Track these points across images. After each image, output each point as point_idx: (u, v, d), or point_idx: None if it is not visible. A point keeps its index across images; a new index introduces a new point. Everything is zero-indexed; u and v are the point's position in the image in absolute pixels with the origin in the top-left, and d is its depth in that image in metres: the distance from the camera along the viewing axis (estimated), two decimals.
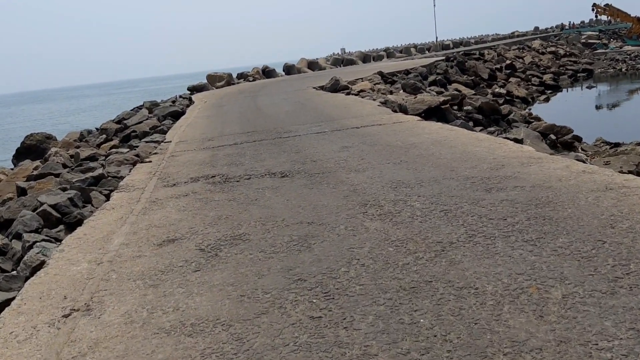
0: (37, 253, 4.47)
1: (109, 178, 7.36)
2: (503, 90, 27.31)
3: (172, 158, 8.27)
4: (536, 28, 69.21)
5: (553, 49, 45.65)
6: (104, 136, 14.04)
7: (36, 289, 3.53)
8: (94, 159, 10.13)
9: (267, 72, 34.64)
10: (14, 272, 4.46)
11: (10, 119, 64.49)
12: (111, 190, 6.73)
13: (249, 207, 4.91)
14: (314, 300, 2.90)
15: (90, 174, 7.57)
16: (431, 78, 22.85)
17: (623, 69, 38.26)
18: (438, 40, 50.32)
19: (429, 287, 2.92)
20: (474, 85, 26.38)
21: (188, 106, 18.95)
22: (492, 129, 10.90)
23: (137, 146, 10.53)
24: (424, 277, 3.04)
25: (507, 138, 7.20)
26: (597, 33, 51.56)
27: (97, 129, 16.82)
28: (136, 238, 4.35)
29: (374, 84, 19.68)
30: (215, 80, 29.20)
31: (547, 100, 29.14)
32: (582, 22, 71.68)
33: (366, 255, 3.42)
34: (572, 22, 73.19)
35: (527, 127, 14.77)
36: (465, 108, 15.58)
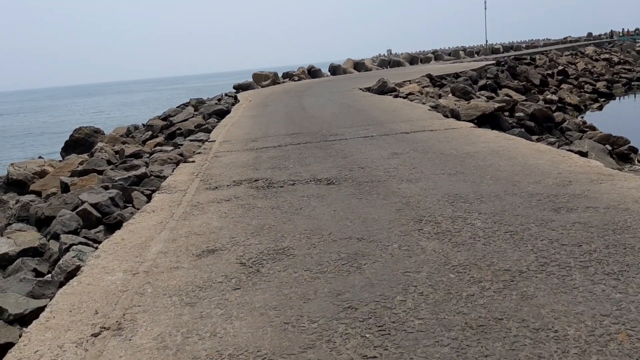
0: (73, 257, 4.26)
1: (152, 177, 7.18)
2: (555, 97, 26.40)
3: (215, 159, 8.05)
4: (589, 34, 66.92)
5: (607, 56, 44.00)
6: (150, 133, 14.01)
7: (67, 300, 3.30)
8: (138, 156, 10.03)
9: (313, 72, 34.41)
10: (49, 277, 4.26)
11: (62, 110, 66.31)
12: (153, 191, 6.53)
13: (293, 216, 4.60)
14: (367, 335, 2.55)
15: (134, 172, 7.40)
16: (481, 82, 22.18)
17: None
18: (488, 43, 49.16)
19: (499, 326, 2.53)
20: (525, 90, 25.56)
21: (233, 105, 18.85)
22: (552, 139, 10.32)
23: (181, 144, 10.38)
24: (492, 312, 2.65)
25: (571, 150, 6.69)
26: None
27: (143, 124, 16.86)
28: (175, 246, 4.09)
29: (422, 87, 19.18)
30: (260, 79, 29.14)
31: (600, 108, 27.98)
32: (637, 29, 68.81)
33: (424, 282, 3.05)
34: (626, 29, 70.52)
35: (582, 136, 14.08)
36: (516, 114, 14.96)
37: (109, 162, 9.34)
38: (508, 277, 3.03)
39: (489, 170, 5.54)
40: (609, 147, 13.21)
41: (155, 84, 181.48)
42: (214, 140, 10.01)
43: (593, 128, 16.54)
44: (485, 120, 9.86)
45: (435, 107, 11.07)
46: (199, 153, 8.83)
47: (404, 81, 20.10)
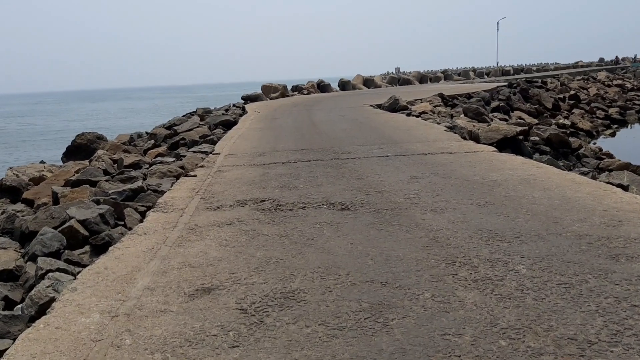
0: (48, 287, 3.65)
1: (148, 192, 6.58)
2: (567, 122, 25.82)
3: (219, 173, 7.45)
4: (601, 59, 66.50)
5: (620, 82, 43.44)
6: (152, 142, 13.45)
7: (28, 349, 2.68)
8: (137, 167, 9.45)
9: (322, 87, 33.96)
10: (19, 308, 3.65)
11: (68, 114, 66.04)
12: (148, 207, 5.94)
13: (304, 248, 3.98)
14: None
15: (129, 185, 6.81)
16: (494, 104, 21.61)
17: None
18: (498, 65, 48.75)
19: None
20: (537, 114, 25.00)
21: (241, 116, 18.32)
22: (585, 169, 9.72)
23: (184, 156, 9.80)
24: None
25: (611, 183, 6.08)
26: None
27: (147, 132, 16.32)
28: (164, 281, 3.47)
29: (434, 106, 18.63)
30: (269, 91, 28.66)
31: (613, 135, 27.34)
32: None
33: (469, 351, 2.43)
34: (638, 56, 69.99)
35: (599, 164, 13.45)
36: (531, 138, 14.36)
37: (106, 172, 8.75)
38: (575, 349, 2.40)
39: (523, 202, 4.91)
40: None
41: (164, 92, 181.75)
42: (219, 153, 9.43)
43: (610, 155, 15.91)
44: (506, 144, 9.25)
45: (452, 128, 10.48)
46: (202, 166, 8.23)
47: (415, 99, 19.56)
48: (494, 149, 8.15)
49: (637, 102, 37.73)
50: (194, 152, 10.06)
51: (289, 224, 4.67)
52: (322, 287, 3.23)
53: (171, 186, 6.89)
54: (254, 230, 4.53)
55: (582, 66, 58.46)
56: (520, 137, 9.63)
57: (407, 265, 3.50)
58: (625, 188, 6.16)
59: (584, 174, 7.71)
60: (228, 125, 14.81)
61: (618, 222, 4.17)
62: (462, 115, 17.66)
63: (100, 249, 4.78)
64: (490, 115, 19.36)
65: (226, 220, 4.92)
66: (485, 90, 24.11)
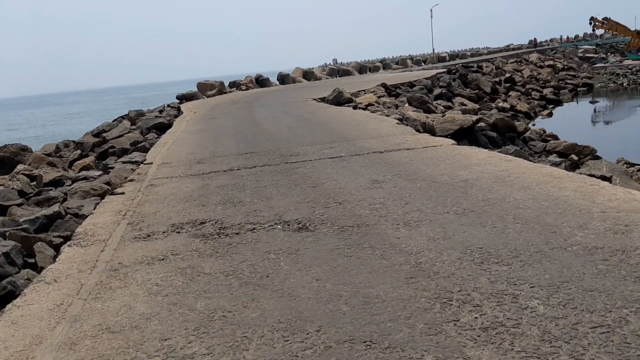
0: None
1: (67, 217, 5.56)
2: (507, 105, 25.87)
3: (150, 188, 6.47)
4: (530, 41, 68.00)
5: (551, 62, 44.40)
6: (79, 151, 12.20)
7: None
8: (59, 184, 8.32)
9: (261, 81, 32.93)
10: None
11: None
12: (66, 238, 4.95)
13: (257, 292, 3.13)
14: None
15: (45, 211, 5.77)
16: (436, 91, 21.24)
17: (624, 84, 36.98)
18: (434, 52, 48.84)
19: None
20: (477, 99, 24.93)
21: (176, 117, 17.16)
22: (557, 160, 9.24)
23: (112, 167, 8.72)
24: None
25: (593, 175, 5.52)
26: (594, 47, 50.40)
27: (74, 141, 14.95)
28: None
29: (379, 97, 18.03)
30: (206, 89, 27.42)
31: (550, 115, 27.61)
32: (576, 35, 70.60)
33: None
34: (564, 36, 72.15)
35: (546, 146, 13.18)
36: (477, 125, 13.97)
37: (22, 193, 7.59)
38: None
39: (506, 207, 4.23)
40: (575, 157, 12.30)
41: (97, 95, 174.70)
42: (151, 163, 8.40)
43: (555, 137, 15.73)
44: (463, 135, 8.65)
45: (402, 120, 9.81)
46: (132, 180, 7.21)
47: (359, 91, 18.91)
48: (453, 142, 7.50)
49: (569, 81, 38.60)
50: (124, 162, 8.99)
51: (237, 255, 3.80)
52: (286, 356, 2.40)
53: (94, 208, 5.88)
54: (193, 267, 3.64)
55: (513, 49, 59.61)
56: (477, 125, 9.06)
57: (393, 311, 2.71)
58: (608, 180, 5.62)
59: (556, 165, 7.17)
60: (162, 128, 13.69)
61: (625, 228, 3.52)
62: (407, 105, 17.13)
63: (1, 302, 3.79)
64: (435, 103, 18.96)
65: (158, 254, 4.00)
66: (426, 78, 23.75)
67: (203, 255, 3.85)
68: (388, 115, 11.35)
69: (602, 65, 41.93)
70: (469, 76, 28.33)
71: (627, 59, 41.33)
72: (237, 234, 4.33)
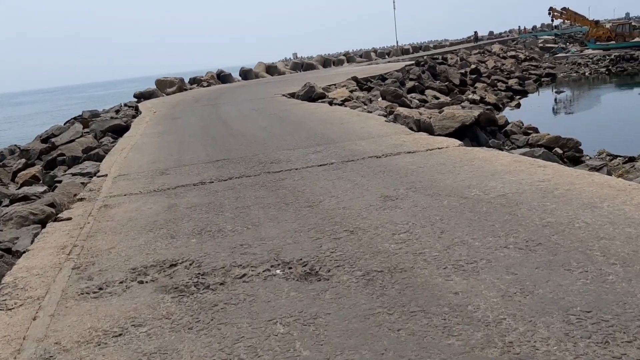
0: None
1: None
2: (477, 97, 25.21)
3: (104, 211, 5.21)
4: (491, 32, 67.85)
5: (513, 53, 44.16)
6: (24, 160, 10.70)
7: None
8: None
9: (223, 77, 31.45)
10: None
11: None
12: None
13: None
14: None
15: None
16: (409, 84, 20.29)
17: (586, 73, 36.92)
18: (398, 44, 48.02)
19: None
20: (448, 91, 24.16)
21: (134, 117, 15.71)
22: (595, 162, 8.29)
23: (59, 181, 7.36)
24: None
25: None
26: (554, 37, 50.50)
27: (19, 148, 13.38)
28: None
29: (351, 91, 16.95)
30: (165, 86, 25.83)
31: (518, 106, 27.04)
32: (534, 26, 70.90)
33: None
34: (522, 27, 72.41)
35: (528, 139, 12.33)
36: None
37: None
38: None
39: (582, 236, 3.16)
40: (559, 150, 11.53)
41: (50, 95, 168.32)
42: (106, 175, 7.09)
43: (535, 129, 14.94)
44: (464, 133, 7.63)
45: (391, 117, 8.73)
46: (81, 199, 5.91)
47: (329, 85, 17.78)
48: (459, 142, 6.44)
49: (532, 71, 38.36)
50: (74, 174, 7.64)
51: (227, 326, 2.62)
52: None
53: (32, 242, 4.59)
54: (165, 352, 2.45)
55: (451, 44, 59.17)
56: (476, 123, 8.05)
57: None
58: None
59: (595, 169, 6.18)
60: (119, 131, 12.27)
61: None
62: (380, 99, 16.13)
63: None
64: (409, 96, 18.00)
65: (113, 324, 2.78)
66: (397, 71, 22.80)
67: (178, 328, 2.65)
68: (371, 112, 10.26)
69: (564, 55, 41.89)
70: (437, 68, 27.53)
71: (588, 49, 41.36)
72: (222, 284, 3.15)
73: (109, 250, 4.03)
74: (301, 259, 3.35)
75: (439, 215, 3.83)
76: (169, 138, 9.63)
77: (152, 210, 5.01)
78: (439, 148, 6.19)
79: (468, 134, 7.66)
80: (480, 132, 8.21)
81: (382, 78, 20.58)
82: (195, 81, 30.33)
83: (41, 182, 8.44)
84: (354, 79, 19.08)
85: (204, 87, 28.62)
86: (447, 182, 4.68)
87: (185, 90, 26.65)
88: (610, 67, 36.44)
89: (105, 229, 4.59)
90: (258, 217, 4.36)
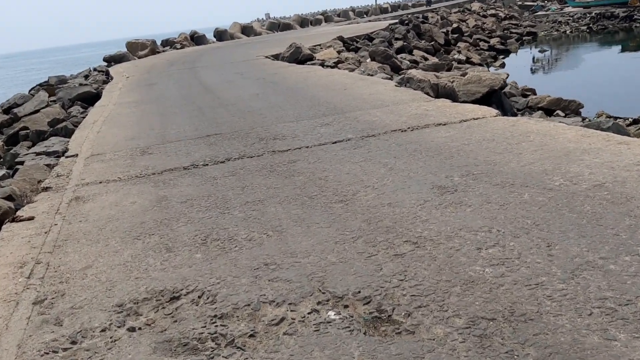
0: None
1: None
2: (462, 57, 24.24)
3: (76, 206, 4.12)
4: None
5: (493, 11, 43.03)
6: None
7: None
8: None
9: (197, 39, 29.75)
10: None
11: None
12: None
13: None
14: None
15: None
16: (397, 44, 19.12)
17: (567, 32, 36.07)
18: (377, 3, 46.28)
19: None
20: (434, 51, 23.08)
21: (105, 83, 14.34)
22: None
23: (21, 162, 6.19)
24: None
25: None
26: None
27: None
28: None
29: (338, 52, 15.77)
30: (137, 49, 24.18)
31: (502, 65, 26.08)
32: None
33: None
34: None
35: (527, 102, 11.42)
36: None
37: None
38: None
39: None
40: (562, 113, 10.67)
41: (6, 61, 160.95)
42: (76, 155, 5.93)
43: (533, 91, 14.03)
44: (489, 99, 6.63)
45: (403, 82, 7.66)
46: (48, 188, 4.78)
47: (314, 46, 16.53)
48: (496, 111, 5.43)
49: (513, 30, 37.37)
50: (38, 153, 6.46)
51: None
52: None
53: None
54: None
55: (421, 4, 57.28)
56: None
57: None
58: None
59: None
60: (89, 99, 10.97)
61: None
62: (369, 60, 15.02)
63: None
64: (399, 57, 16.88)
65: None
66: (383, 30, 21.58)
67: None
68: (371, 75, 9.18)
69: (544, 13, 40.91)
70: (421, 27, 26.33)
71: (568, 6, 40.41)
72: (252, 336, 2.14)
73: (83, 270, 2.97)
74: (359, 292, 2.35)
75: (528, 216, 2.85)
76: (148, 108, 8.42)
77: (136, 206, 3.94)
78: (474, 119, 5.18)
79: (493, 99, 6.66)
80: (505, 97, 7.22)
81: (369, 38, 19.37)
82: (168, 43, 28.62)
83: (1, 160, 7.23)
84: (340, 38, 17.84)
85: (178, 49, 26.99)
86: (512, 165, 3.69)
87: (158, 52, 25.02)
88: (591, 26, 35.65)
89: (78, 235, 3.51)
90: (278, 218, 3.32)
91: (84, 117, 8.64)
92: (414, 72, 7.03)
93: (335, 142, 4.99)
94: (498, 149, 4.09)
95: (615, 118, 11.23)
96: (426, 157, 4.16)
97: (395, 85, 7.42)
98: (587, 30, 35.24)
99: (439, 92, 6.72)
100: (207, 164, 4.84)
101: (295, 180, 4.03)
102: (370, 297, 2.29)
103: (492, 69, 24.26)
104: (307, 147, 4.96)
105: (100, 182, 4.72)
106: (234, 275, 2.65)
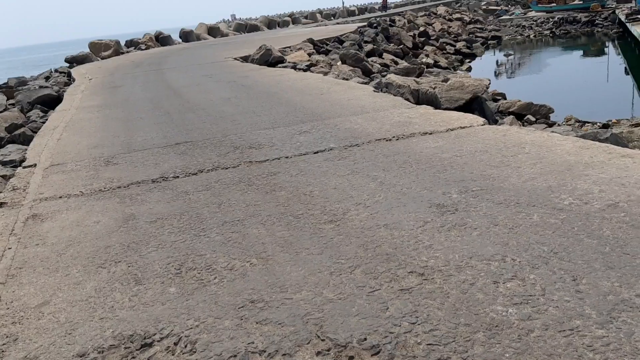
0: None
1: None
2: (431, 60, 24.23)
3: (32, 227, 3.66)
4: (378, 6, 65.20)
5: (458, 15, 43.37)
6: None
7: None
8: None
9: (162, 39, 29.05)
10: None
11: None
12: None
13: None
14: None
15: None
16: (367, 47, 18.88)
17: (531, 36, 36.55)
18: (344, 6, 46.09)
19: None
20: (403, 54, 23.00)
21: (67, 85, 13.67)
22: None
23: None
24: None
25: None
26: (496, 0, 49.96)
27: None
28: None
29: (309, 54, 15.44)
30: (100, 50, 23.38)
31: (469, 69, 26.17)
32: None
33: None
34: None
35: (499, 106, 11.30)
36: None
37: None
38: None
39: None
40: (532, 118, 10.59)
41: None
42: (34, 165, 5.44)
43: (503, 96, 13.95)
44: (470, 106, 6.39)
45: (380, 86, 7.37)
46: (2, 204, 4.30)
47: (285, 48, 16.16)
48: (482, 119, 5.18)
49: (478, 34, 37.70)
50: None
51: None
52: None
53: None
54: None
55: (419, 2, 57.96)
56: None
57: None
58: None
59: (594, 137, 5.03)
60: (49, 102, 10.36)
61: None
62: (340, 63, 14.72)
63: None
64: (370, 60, 16.65)
65: None
66: (352, 33, 21.34)
67: None
68: (347, 79, 8.86)
69: (508, 17, 41.41)
70: (390, 30, 26.24)
71: (531, 10, 40.97)
72: None
73: (40, 308, 2.55)
74: (364, 338, 2.01)
75: (543, 242, 2.55)
76: (112, 113, 7.92)
77: (101, 226, 3.51)
78: (461, 127, 4.91)
79: (475, 105, 6.42)
80: (485, 103, 7.00)
81: (339, 41, 19.09)
82: (133, 44, 27.83)
83: None
84: (310, 41, 17.51)
85: (143, 50, 26.24)
86: (512, 180, 3.41)
87: (122, 53, 24.26)
88: (554, 30, 36.20)
89: (35, 262, 3.08)
90: (262, 242, 2.96)
91: (44, 122, 8.08)
92: (393, 77, 6.73)
93: (316, 152, 4.65)
94: (493, 162, 3.81)
95: (584, 122, 11.20)
96: (417, 170, 3.85)
97: (374, 91, 7.11)
98: (551, 35, 35.77)
99: (420, 98, 6.45)
100: (177, 176, 4.44)
101: (277, 196, 3.67)
102: (379, 346, 1.95)
103: (459, 72, 24.32)
104: (287, 157, 4.60)
105: (61, 197, 4.27)
106: (216, 316, 2.28)
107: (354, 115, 5.88)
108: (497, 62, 28.64)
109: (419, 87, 6.37)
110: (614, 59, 25.66)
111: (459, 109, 6.03)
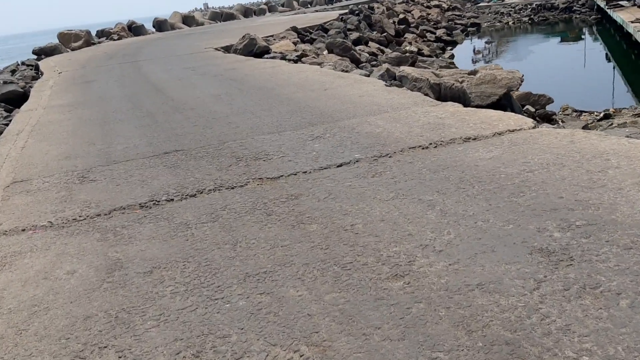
0: None
1: None
2: (414, 48, 23.46)
3: None
4: None
5: (436, 2, 42.62)
6: None
7: None
8: None
9: (135, 29, 27.64)
10: None
11: None
12: None
13: None
14: None
15: None
16: (353, 35, 17.96)
17: (510, 23, 36.02)
18: None
19: None
20: (387, 42, 22.18)
21: (35, 79, 12.48)
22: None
23: None
24: None
25: None
26: None
27: None
28: None
29: (294, 44, 14.46)
30: (70, 40, 21.97)
31: (452, 57, 25.43)
32: None
33: None
34: None
35: None
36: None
37: None
38: None
39: None
40: (532, 108, 9.87)
41: None
42: None
43: None
44: (501, 102, 5.55)
45: (386, 78, 6.48)
46: None
47: (267, 37, 15.13)
48: (531, 120, 4.34)
49: (457, 21, 37.05)
50: None
51: None
52: None
53: None
54: None
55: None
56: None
57: None
58: None
59: None
60: (14, 100, 9.23)
61: None
62: (327, 53, 13.80)
63: None
64: (358, 49, 15.74)
65: None
66: (336, 20, 20.39)
67: None
68: (347, 71, 7.96)
69: (486, 4, 40.82)
70: (372, 18, 25.34)
71: None
72: None
73: None
74: None
75: None
76: (86, 114, 6.88)
77: (76, 281, 2.58)
78: (510, 131, 4.06)
79: (505, 101, 5.59)
80: (514, 98, 6.18)
81: (324, 29, 18.12)
82: (104, 34, 26.41)
83: None
84: (294, 29, 16.51)
85: (115, 40, 24.86)
86: (624, 210, 2.57)
87: (94, 44, 22.88)
88: (532, 17, 35.73)
89: None
90: (307, 312, 2.07)
91: (6, 125, 7.01)
92: (408, 70, 5.88)
93: (340, 165, 3.76)
94: (581, 181, 2.97)
95: (581, 112, 10.49)
96: (483, 191, 2.99)
97: (385, 85, 6.22)
98: (529, 22, 35.26)
99: (442, 93, 5.58)
100: (172, 199, 3.51)
101: (308, 232, 2.77)
102: None
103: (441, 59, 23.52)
104: (305, 172, 3.70)
105: (23, 230, 3.31)
106: None
107: (371, 115, 4.99)
108: (474, 49, 28.01)
109: (439, 80, 5.51)
110: (593, 45, 25.19)
111: (491, 105, 5.20)
